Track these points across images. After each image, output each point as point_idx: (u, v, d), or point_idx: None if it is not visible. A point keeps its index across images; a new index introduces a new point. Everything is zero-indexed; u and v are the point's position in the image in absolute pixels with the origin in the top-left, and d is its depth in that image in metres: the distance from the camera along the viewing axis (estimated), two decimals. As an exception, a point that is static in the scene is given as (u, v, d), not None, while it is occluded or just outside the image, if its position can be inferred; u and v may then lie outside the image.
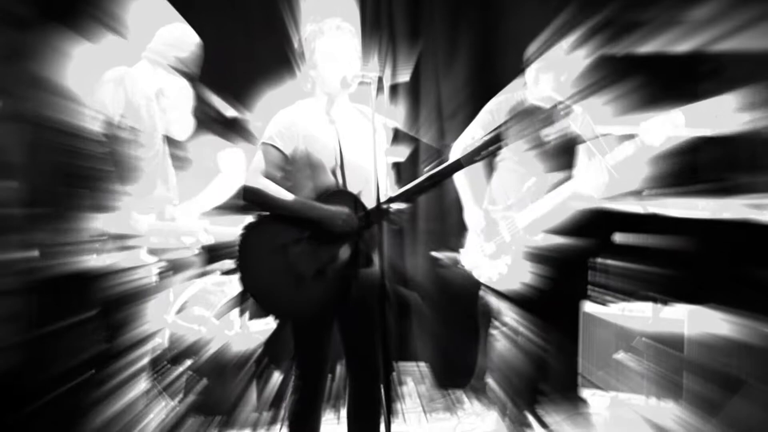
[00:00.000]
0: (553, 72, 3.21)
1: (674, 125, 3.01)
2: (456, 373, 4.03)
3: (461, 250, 3.28)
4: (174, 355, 3.35)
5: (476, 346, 3.74)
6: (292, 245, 2.62)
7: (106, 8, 2.96)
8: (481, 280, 3.21)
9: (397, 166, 3.84)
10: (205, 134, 3.26)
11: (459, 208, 3.48)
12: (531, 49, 3.26)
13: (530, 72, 3.26)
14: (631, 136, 3.55)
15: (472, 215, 3.28)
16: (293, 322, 2.78)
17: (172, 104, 2.98)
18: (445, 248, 3.82)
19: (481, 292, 3.32)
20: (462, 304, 3.71)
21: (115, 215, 2.79)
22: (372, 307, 2.64)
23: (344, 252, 2.64)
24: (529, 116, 3.22)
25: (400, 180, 3.63)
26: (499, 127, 3.13)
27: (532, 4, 3.99)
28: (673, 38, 3.88)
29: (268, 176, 2.69)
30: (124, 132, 2.79)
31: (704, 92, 3.85)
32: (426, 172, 2.76)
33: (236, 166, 3.27)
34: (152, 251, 2.93)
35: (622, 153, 3.04)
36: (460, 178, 3.29)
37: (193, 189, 3.22)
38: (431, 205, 4.13)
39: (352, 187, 2.72)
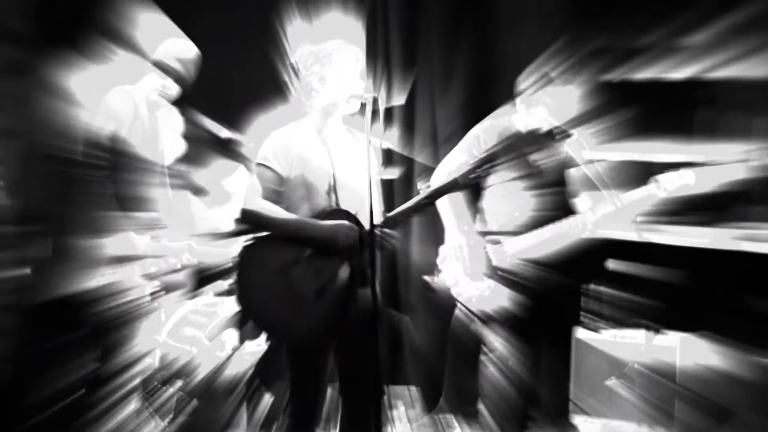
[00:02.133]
0: (548, 97, 3.22)
1: (686, 184, 3.06)
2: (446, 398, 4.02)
3: (441, 264, 3.25)
4: (165, 375, 3.34)
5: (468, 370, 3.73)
6: (291, 265, 2.62)
7: (108, 28, 3.00)
8: (459, 298, 3.18)
9: (389, 186, 3.85)
10: (200, 156, 3.27)
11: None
12: (526, 74, 3.26)
13: (524, 97, 3.26)
14: (627, 163, 3.61)
15: (453, 235, 3.24)
16: (291, 343, 2.77)
17: (162, 127, 3.03)
18: (437, 272, 3.82)
19: (458, 313, 3.29)
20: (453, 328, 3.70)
21: (114, 237, 2.80)
22: (366, 330, 2.64)
23: (344, 272, 2.64)
24: (521, 141, 3.22)
25: (393, 201, 3.65)
26: (495, 147, 3.12)
27: (530, 30, 4.01)
28: (669, 65, 3.91)
29: (265, 197, 2.70)
30: (126, 149, 2.82)
31: (700, 119, 3.88)
32: (421, 191, 2.77)
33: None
34: (145, 272, 2.93)
35: (629, 198, 3.05)
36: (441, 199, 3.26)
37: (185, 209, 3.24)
38: (424, 227, 4.14)
39: (350, 208, 2.72)
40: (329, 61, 2.77)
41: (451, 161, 3.26)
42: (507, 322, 3.09)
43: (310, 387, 2.74)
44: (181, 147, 3.13)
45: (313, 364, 2.73)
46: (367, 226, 2.58)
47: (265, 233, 2.69)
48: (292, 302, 2.59)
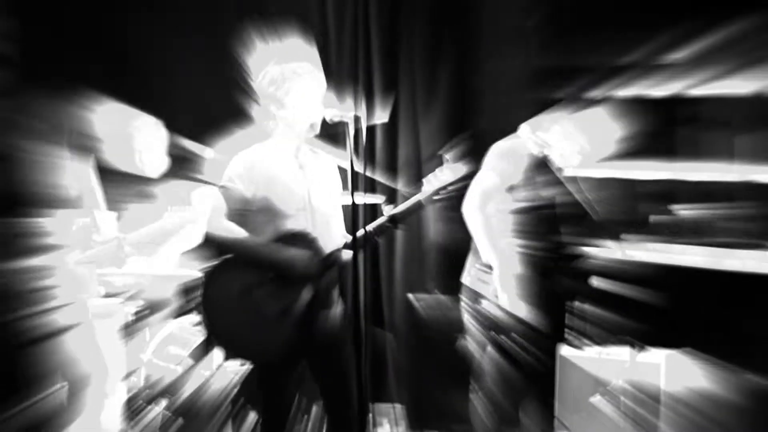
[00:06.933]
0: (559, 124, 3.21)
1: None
2: (431, 416, 4.02)
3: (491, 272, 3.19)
4: (150, 394, 3.34)
5: (453, 388, 3.73)
6: (255, 287, 2.65)
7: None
8: (490, 298, 3.15)
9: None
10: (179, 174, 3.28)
11: (437, 250, 3.51)
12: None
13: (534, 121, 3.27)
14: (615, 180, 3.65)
15: (487, 250, 3.17)
16: (256, 363, 2.79)
17: (144, 141, 3.04)
18: (421, 290, 3.84)
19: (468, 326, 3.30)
20: (438, 346, 3.71)
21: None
22: (345, 348, 2.66)
23: (306, 293, 2.66)
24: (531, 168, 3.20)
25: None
26: (468, 168, 3.12)
27: (511, 48, 4.04)
28: (651, 83, 3.94)
29: (229, 218, 2.71)
30: None
31: (682, 137, 3.92)
32: (384, 212, 2.78)
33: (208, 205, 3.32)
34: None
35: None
36: (474, 218, 3.17)
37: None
38: (409, 246, 4.15)
39: (317, 230, 2.74)
40: (288, 85, 2.77)
41: (484, 181, 3.18)
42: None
43: (277, 406, 2.76)
44: (163, 162, 3.14)
45: (279, 384, 2.74)
46: (332, 248, 2.66)
47: (228, 255, 2.72)
48: (256, 323, 2.62)
